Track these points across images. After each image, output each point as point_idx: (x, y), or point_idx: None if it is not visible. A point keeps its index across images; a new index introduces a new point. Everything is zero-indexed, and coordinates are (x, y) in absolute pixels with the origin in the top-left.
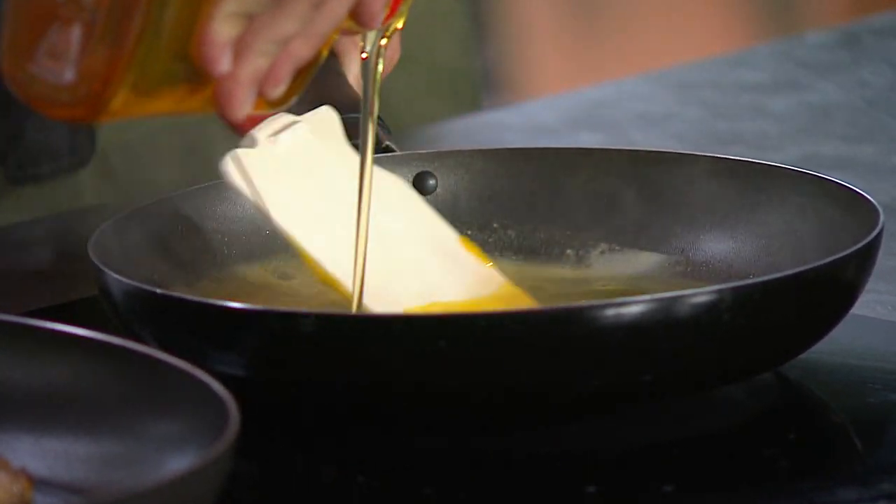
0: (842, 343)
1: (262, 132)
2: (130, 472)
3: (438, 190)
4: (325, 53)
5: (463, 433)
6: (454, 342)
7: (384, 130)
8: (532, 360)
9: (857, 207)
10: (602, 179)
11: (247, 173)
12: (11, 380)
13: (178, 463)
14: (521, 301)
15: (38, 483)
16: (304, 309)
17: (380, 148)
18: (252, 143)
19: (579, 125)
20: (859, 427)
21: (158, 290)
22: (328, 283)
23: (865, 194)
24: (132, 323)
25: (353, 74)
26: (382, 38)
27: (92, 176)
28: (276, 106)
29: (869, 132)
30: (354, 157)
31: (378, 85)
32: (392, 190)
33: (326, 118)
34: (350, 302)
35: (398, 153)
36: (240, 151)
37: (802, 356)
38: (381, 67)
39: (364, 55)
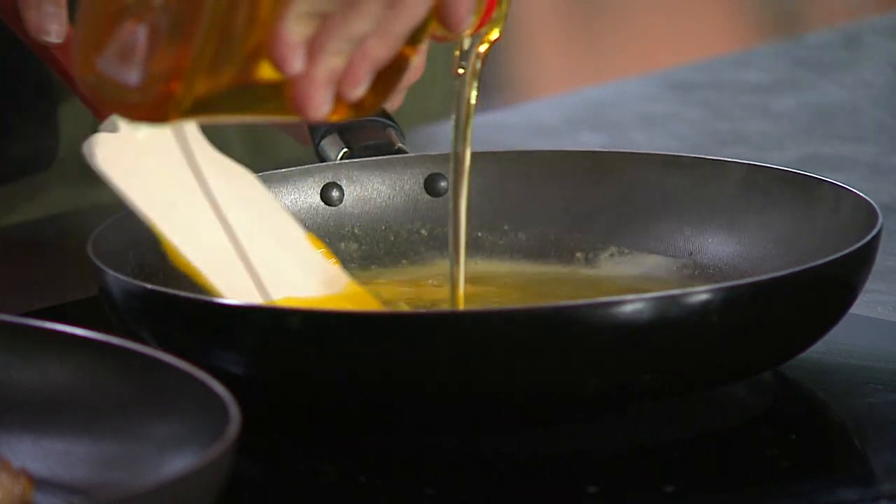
0: (842, 343)
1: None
2: (131, 472)
3: (449, 192)
4: (413, 58)
5: (456, 432)
6: (446, 341)
7: (397, 132)
8: (522, 358)
9: (858, 209)
10: (611, 182)
11: (109, 157)
12: (12, 380)
13: (178, 463)
14: (368, 301)
15: (38, 483)
16: (292, 305)
17: (392, 150)
18: (113, 128)
19: (580, 125)
20: (860, 427)
21: (149, 286)
22: (188, 271)
23: (865, 196)
24: (129, 320)
25: None
26: (479, 46)
27: (57, 180)
28: (363, 111)
29: (870, 132)
30: (207, 147)
31: (473, 107)
32: (241, 182)
33: None
34: (208, 288)
35: (409, 154)
36: (102, 135)
37: (803, 356)
38: (474, 88)
39: (461, 70)
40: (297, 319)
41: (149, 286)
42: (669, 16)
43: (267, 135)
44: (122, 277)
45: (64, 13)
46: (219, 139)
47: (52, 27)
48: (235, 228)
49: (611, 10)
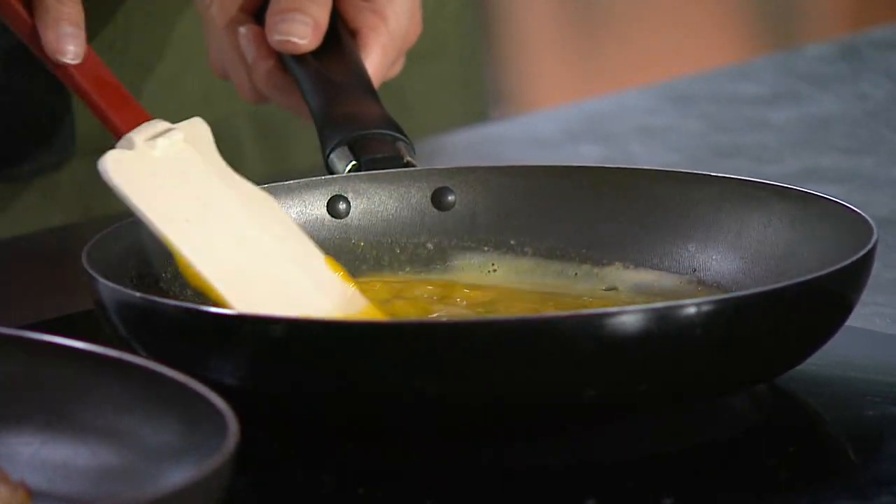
0: (840, 356)
1: (139, 135)
2: (129, 484)
3: (456, 206)
4: None
5: (450, 442)
6: (439, 350)
7: (407, 146)
8: (514, 368)
9: (856, 225)
10: (616, 199)
11: (124, 174)
12: (10, 392)
13: (177, 475)
14: None
15: (36, 495)
16: (274, 314)
17: (401, 163)
18: (129, 146)
19: (579, 138)
20: (858, 439)
21: (138, 294)
22: (200, 287)
23: (861, 212)
24: (122, 329)
25: (374, 62)
26: None
27: (72, 180)
28: None
29: (868, 144)
30: (225, 169)
31: None
32: (261, 205)
33: (199, 128)
34: (224, 306)
35: (417, 168)
36: (118, 152)
37: (801, 368)
38: None
39: None
40: (270, 328)
41: (138, 294)
42: (668, 28)
43: (280, 141)
44: (114, 286)
45: (82, 33)
46: (231, 145)
47: (70, 48)
48: (253, 247)
49: (610, 22)
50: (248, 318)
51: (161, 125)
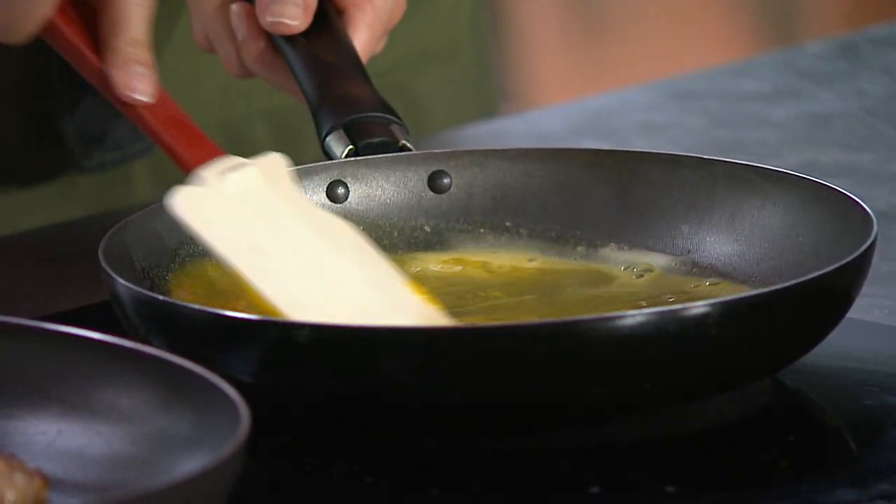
0: (839, 347)
1: (210, 171)
2: (143, 472)
3: (452, 189)
4: None
5: (456, 441)
6: (451, 355)
7: (401, 128)
8: (523, 371)
9: (855, 216)
10: (613, 180)
11: (193, 209)
12: (27, 382)
13: (189, 464)
14: None
15: (53, 483)
16: (299, 320)
17: (396, 147)
18: (200, 182)
19: (583, 134)
20: (857, 429)
21: (160, 297)
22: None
23: (860, 202)
24: (140, 328)
25: (361, 41)
26: None
27: (145, 170)
28: None
29: (867, 140)
30: (302, 201)
31: None
32: (339, 234)
33: (275, 163)
34: None
35: (414, 152)
36: (187, 188)
37: (800, 360)
38: None
39: None
40: (305, 333)
41: (160, 297)
42: (670, 26)
43: (295, 141)
44: (134, 287)
45: (153, 74)
46: (247, 146)
47: (141, 86)
48: (329, 274)
49: (612, 20)
50: (268, 323)
51: (234, 161)
